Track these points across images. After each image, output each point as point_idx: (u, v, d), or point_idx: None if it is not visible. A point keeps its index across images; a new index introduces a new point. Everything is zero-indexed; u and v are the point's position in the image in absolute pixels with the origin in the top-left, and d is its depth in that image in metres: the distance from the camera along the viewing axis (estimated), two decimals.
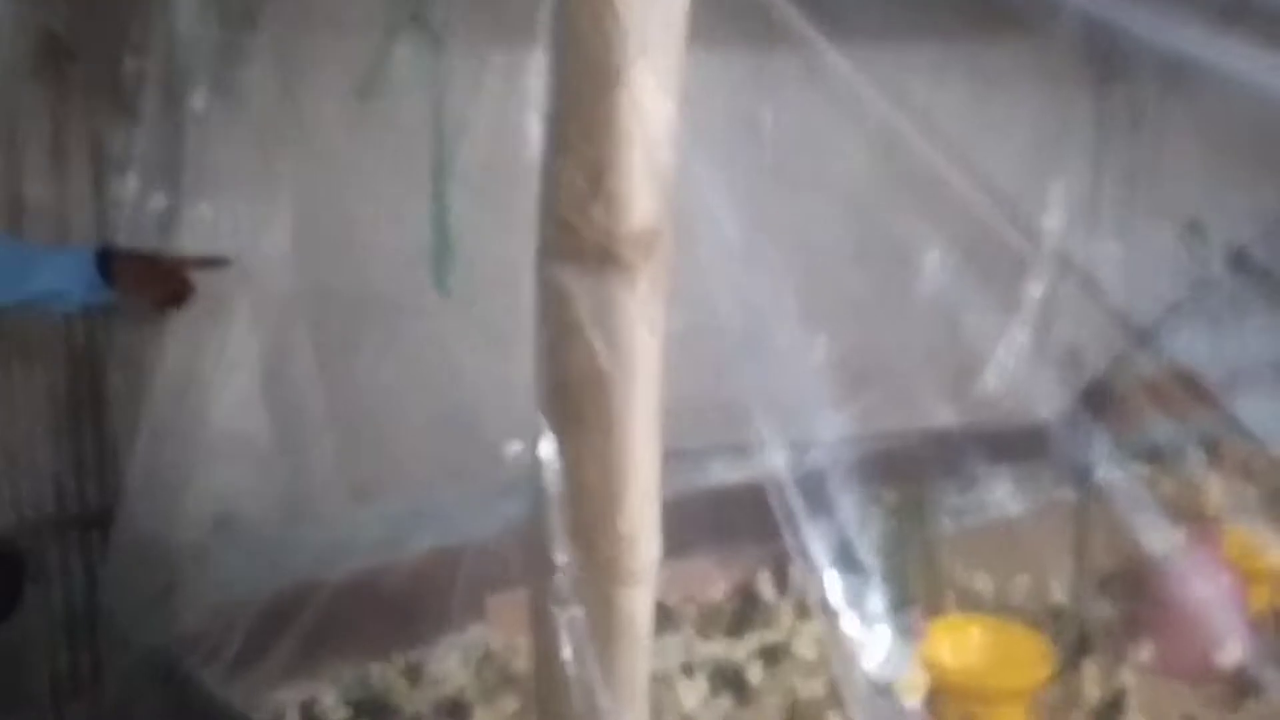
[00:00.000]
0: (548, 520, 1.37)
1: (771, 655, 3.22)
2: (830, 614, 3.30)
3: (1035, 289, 4.24)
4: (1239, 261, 3.54)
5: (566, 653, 1.37)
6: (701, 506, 3.63)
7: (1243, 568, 3.39)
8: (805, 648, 3.21)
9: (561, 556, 1.37)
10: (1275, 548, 3.70)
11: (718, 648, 3.28)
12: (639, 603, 1.42)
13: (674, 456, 3.67)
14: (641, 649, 1.43)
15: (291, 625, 2.83)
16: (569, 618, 1.37)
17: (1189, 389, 4.86)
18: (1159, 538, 3.92)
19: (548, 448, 1.39)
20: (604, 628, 1.41)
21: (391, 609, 3.03)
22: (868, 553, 3.69)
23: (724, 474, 3.77)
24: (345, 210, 2.94)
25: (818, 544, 3.73)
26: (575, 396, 1.38)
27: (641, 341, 1.38)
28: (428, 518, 3.06)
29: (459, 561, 3.01)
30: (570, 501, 1.38)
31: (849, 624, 3.31)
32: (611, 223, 1.32)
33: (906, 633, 2.48)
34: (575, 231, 1.33)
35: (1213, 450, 5.31)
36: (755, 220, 3.02)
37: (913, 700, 2.13)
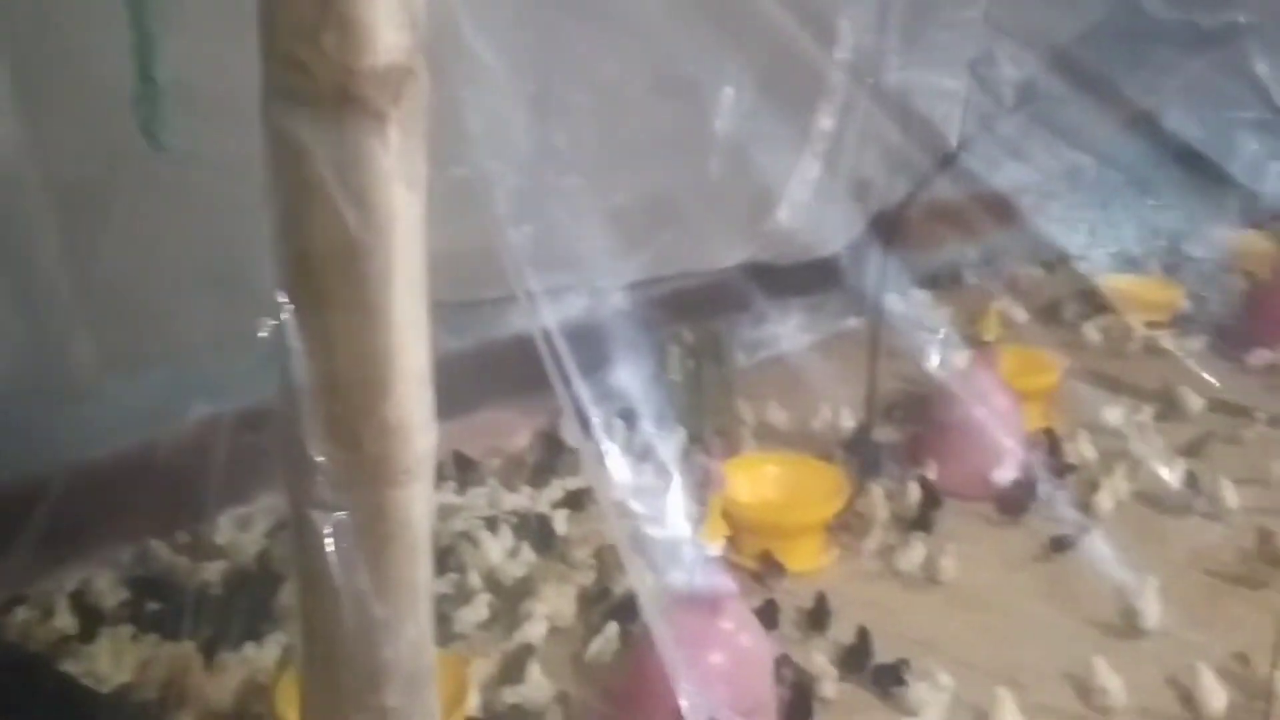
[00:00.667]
0: (300, 414, 1.20)
1: (576, 502, 3.20)
2: (624, 460, 3.33)
3: (825, 122, 4.24)
4: (1026, 93, 3.60)
5: (333, 562, 1.21)
6: (501, 356, 3.53)
7: (1018, 387, 3.57)
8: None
9: (320, 455, 1.20)
10: (1047, 367, 3.93)
11: (522, 498, 3.24)
12: (415, 502, 1.23)
13: (470, 307, 3.54)
14: (421, 552, 1.25)
15: (55, 509, 2.58)
16: (334, 523, 1.20)
17: (975, 214, 5.04)
18: (939, 362, 4.12)
19: (293, 331, 1.21)
20: (375, 533, 1.22)
21: (167, 484, 2.82)
22: (666, 394, 3.71)
23: (523, 322, 3.68)
24: (70, 51, 2.55)
25: (613, 389, 3.74)
26: (321, 270, 1.16)
27: (398, 201, 1.16)
28: (199, 386, 2.83)
29: (237, 429, 2.81)
30: (325, 392, 1.17)
31: (643, 469, 3.35)
32: (349, 57, 1.09)
33: (704, 476, 2.48)
34: (304, 68, 1.09)
35: (992, 272, 5.60)
36: (533, 54, 2.83)
37: (714, 547, 2.15)
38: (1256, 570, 2.96)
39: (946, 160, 3.26)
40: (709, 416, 3.57)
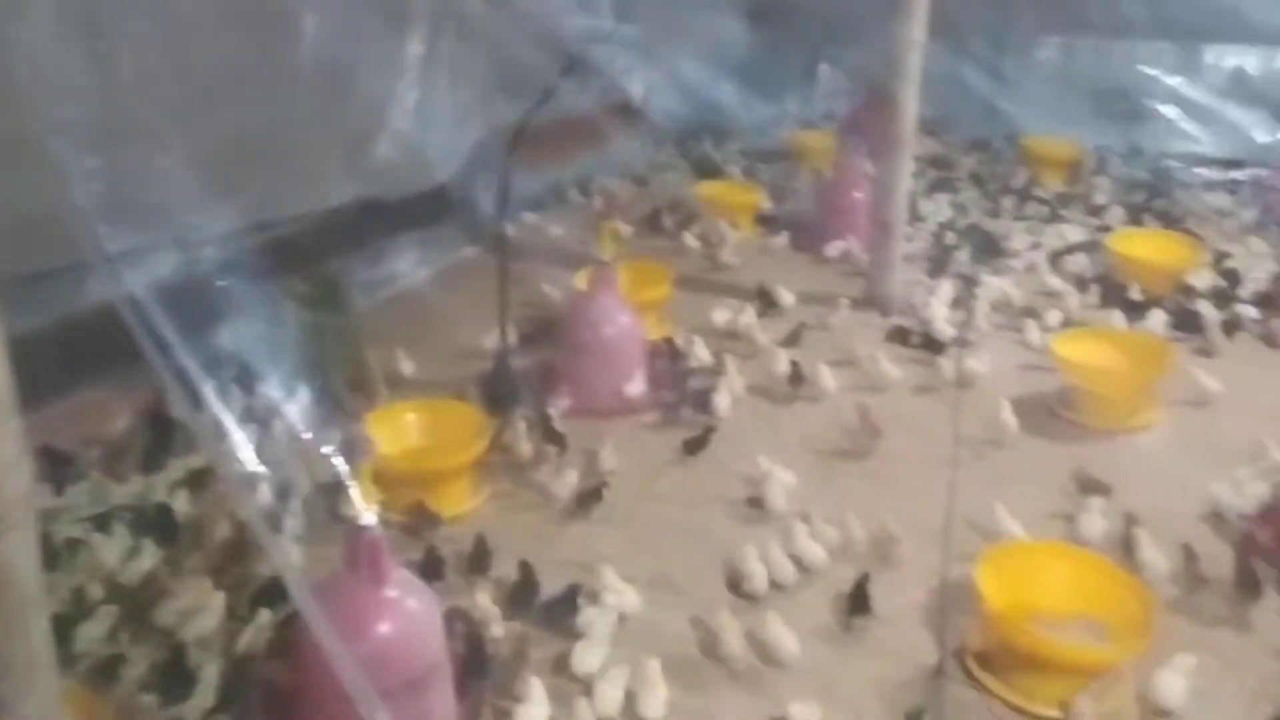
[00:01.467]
0: None
1: (199, 482, 2.91)
2: (247, 428, 3.07)
3: (416, 47, 4.08)
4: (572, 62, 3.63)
5: None
6: (85, 331, 3.11)
7: (635, 301, 3.68)
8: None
9: None
10: (658, 278, 4.08)
11: (134, 487, 2.90)
12: (14, 554, 1.01)
13: (40, 279, 3.06)
14: (32, 610, 1.03)
15: None
16: None
17: (574, 134, 5.09)
18: (557, 283, 4.16)
19: None
20: None
21: None
22: (284, 351, 3.45)
23: (105, 289, 3.25)
24: None
25: (223, 352, 3.43)
26: None
27: None
28: None
29: None
30: None
31: (270, 436, 3.11)
32: None
33: (351, 442, 2.33)
34: None
35: (593, 191, 5.73)
36: None
37: (369, 514, 2.02)
38: (859, 443, 3.28)
39: (549, 94, 3.21)
40: (336, 369, 3.37)
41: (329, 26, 3.22)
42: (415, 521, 2.77)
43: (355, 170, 3.77)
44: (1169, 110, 6.52)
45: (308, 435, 2.71)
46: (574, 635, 2.44)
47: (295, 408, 3.05)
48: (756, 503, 2.96)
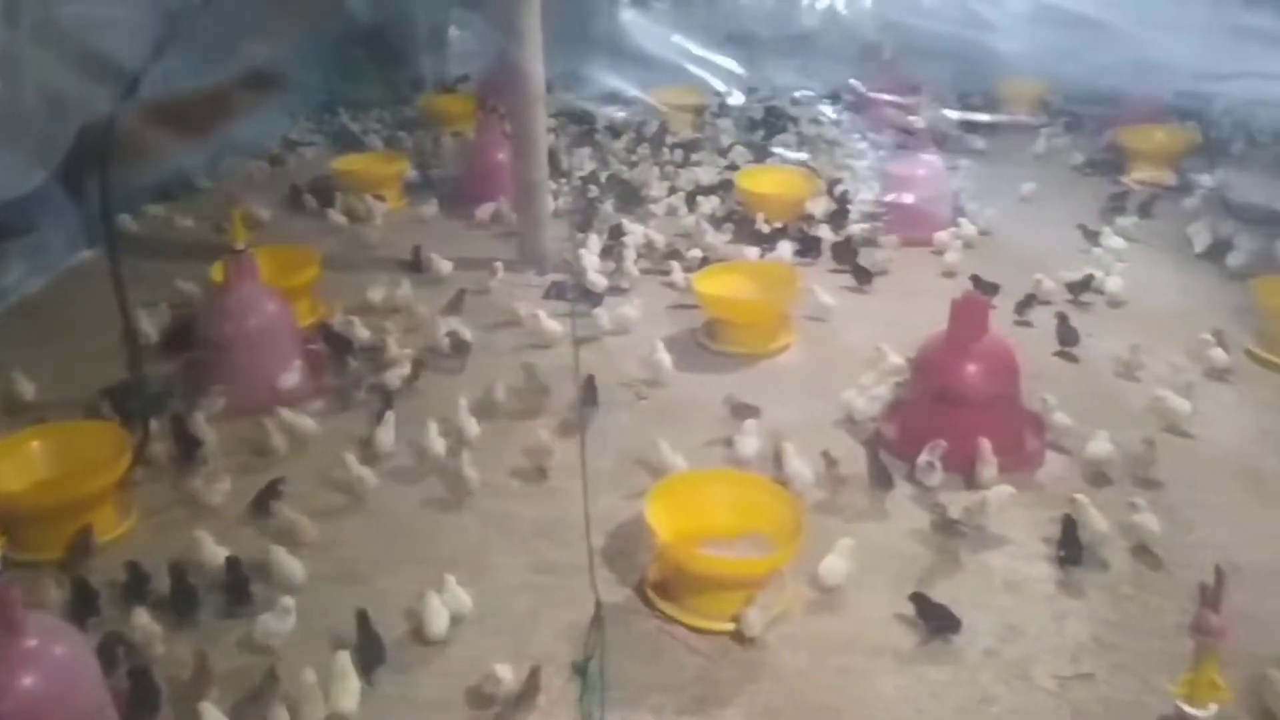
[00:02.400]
0: None
1: None
2: None
3: None
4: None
5: None
6: None
7: (282, 286, 3.52)
8: None
9: None
10: (305, 261, 3.91)
11: None
12: None
13: None
14: None
15: None
16: None
17: (198, 115, 4.74)
18: (193, 278, 3.90)
19: None
20: None
21: None
22: None
23: None
24: None
25: None
26: None
27: None
28: None
29: None
30: None
31: None
32: None
33: None
34: None
35: (221, 175, 5.39)
36: None
37: None
38: (529, 401, 3.33)
39: (138, 79, 2.94)
40: None
41: None
42: (64, 558, 2.52)
43: None
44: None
45: None
46: (256, 636, 2.34)
47: None
48: (433, 483, 2.95)
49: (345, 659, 2.24)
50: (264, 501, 2.78)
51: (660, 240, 4.52)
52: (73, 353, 3.45)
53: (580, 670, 2.29)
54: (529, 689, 2.21)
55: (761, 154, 5.79)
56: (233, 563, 2.49)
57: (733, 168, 5.45)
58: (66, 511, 2.59)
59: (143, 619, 2.33)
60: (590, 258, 4.28)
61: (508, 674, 2.23)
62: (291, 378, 3.28)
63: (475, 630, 2.42)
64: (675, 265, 4.24)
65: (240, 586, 2.44)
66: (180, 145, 5.09)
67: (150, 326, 3.61)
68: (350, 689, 2.20)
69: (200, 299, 3.72)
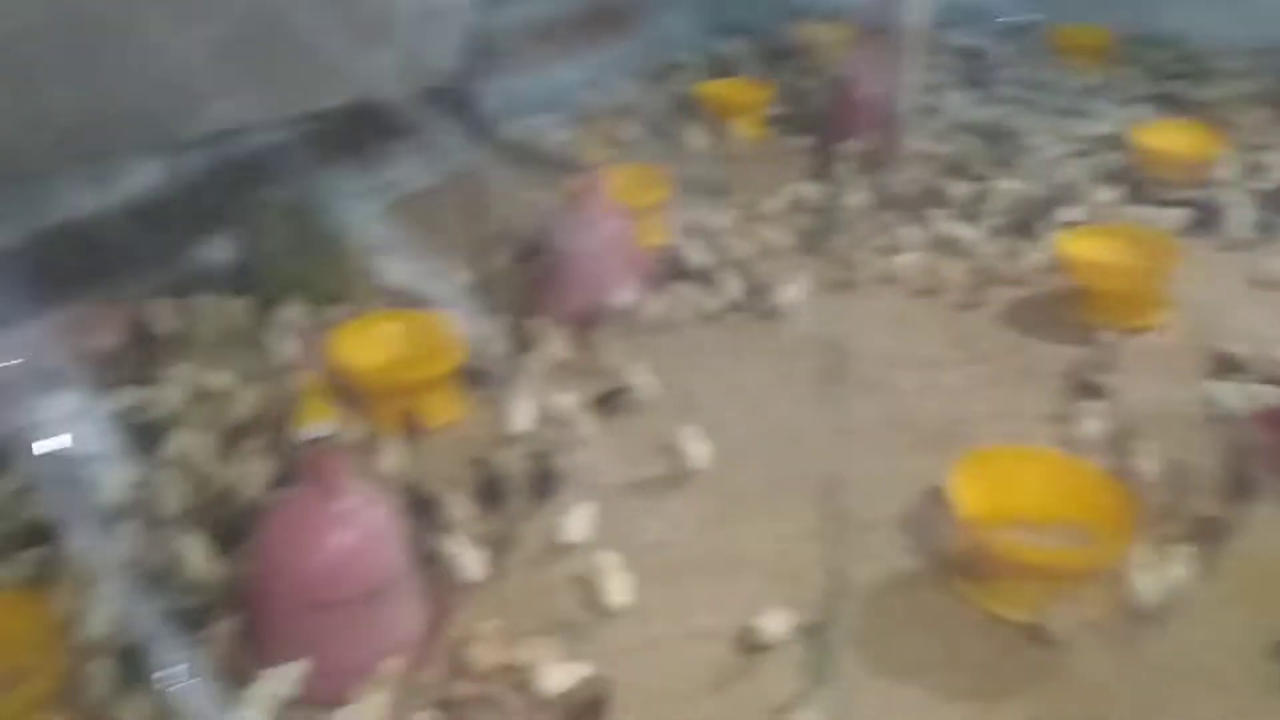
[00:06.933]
0: None
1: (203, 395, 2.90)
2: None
3: None
4: None
5: None
6: (65, 243, 3.10)
7: (631, 205, 3.59)
8: (218, 381, 2.94)
9: None
10: (658, 182, 3.97)
11: (126, 398, 2.89)
12: None
13: (21, 187, 3.02)
14: None
15: None
16: None
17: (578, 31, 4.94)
18: (555, 189, 4.07)
19: None
20: None
21: None
22: (267, 262, 3.43)
23: (86, 200, 3.23)
24: None
25: (203, 264, 3.39)
26: None
27: None
28: None
29: None
30: None
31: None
32: None
33: (303, 353, 2.30)
34: None
35: (601, 91, 5.57)
36: None
37: (321, 426, 2.00)
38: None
39: None
40: (324, 280, 3.35)
41: None
42: (403, 430, 2.76)
43: (350, 72, 3.67)
44: None
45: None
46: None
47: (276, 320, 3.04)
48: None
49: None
50: (607, 402, 2.91)
51: (1036, 193, 4.16)
52: (440, 249, 3.70)
53: (816, 633, 2.21)
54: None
55: (1172, 106, 5.16)
56: (540, 457, 2.60)
57: (1134, 120, 4.89)
58: (403, 392, 2.81)
59: (456, 502, 2.49)
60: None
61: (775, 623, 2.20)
62: (623, 296, 3.36)
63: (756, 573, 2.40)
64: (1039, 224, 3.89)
65: (545, 478, 2.56)
66: (579, 56, 5.35)
67: (510, 233, 3.80)
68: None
69: (552, 210, 3.88)
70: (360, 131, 4.11)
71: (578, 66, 5.50)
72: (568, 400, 2.88)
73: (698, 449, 2.69)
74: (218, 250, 3.49)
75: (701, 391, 3.01)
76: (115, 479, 2.49)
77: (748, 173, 4.54)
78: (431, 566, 2.28)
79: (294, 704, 1.99)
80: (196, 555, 2.22)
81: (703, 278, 3.56)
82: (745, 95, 5.24)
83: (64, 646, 2.04)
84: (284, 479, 2.46)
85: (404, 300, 3.39)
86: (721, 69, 5.91)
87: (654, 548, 2.46)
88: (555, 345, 3.15)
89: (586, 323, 3.27)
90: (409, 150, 4.37)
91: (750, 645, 2.19)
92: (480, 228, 3.68)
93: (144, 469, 2.53)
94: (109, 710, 1.97)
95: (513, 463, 2.62)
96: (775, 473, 2.70)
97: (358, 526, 2.02)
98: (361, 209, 3.96)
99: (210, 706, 1.91)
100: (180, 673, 1.93)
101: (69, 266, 3.02)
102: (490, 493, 2.56)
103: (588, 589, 2.31)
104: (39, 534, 2.34)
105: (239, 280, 3.38)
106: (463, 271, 3.56)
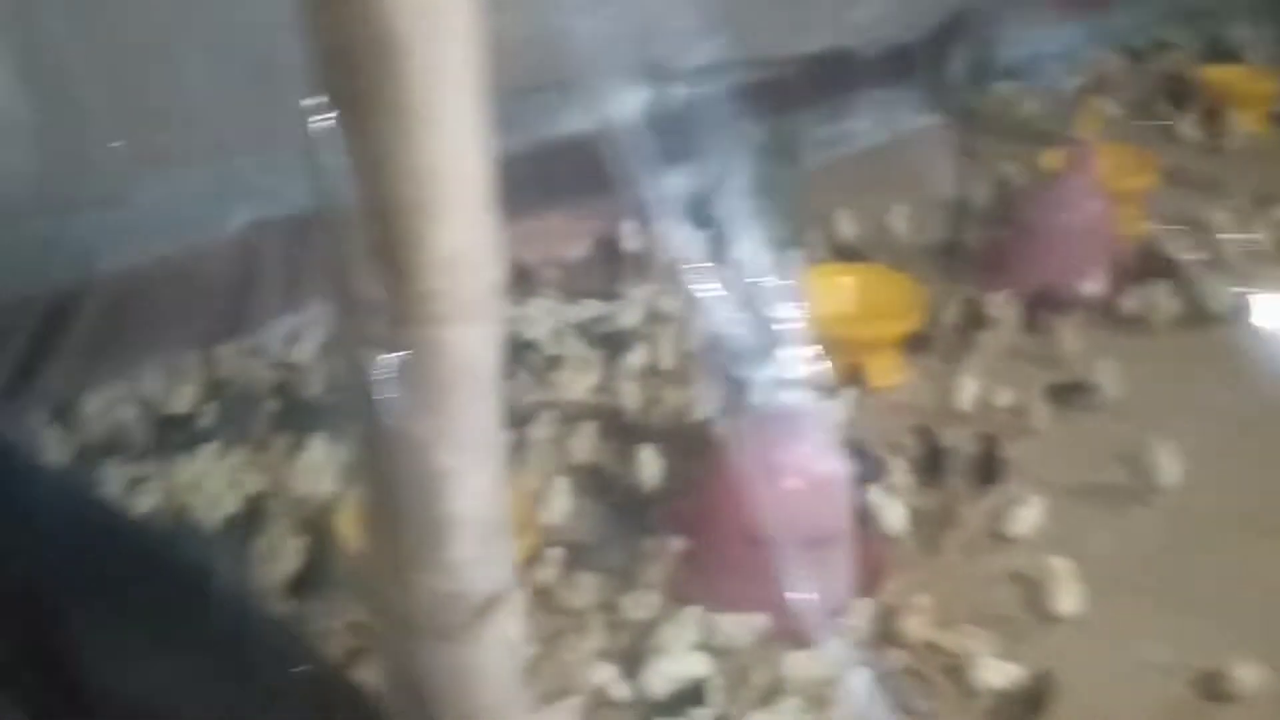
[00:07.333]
0: (346, 238, 1.02)
1: (653, 313, 3.02)
2: (690, 268, 3.12)
3: None
4: None
5: (387, 406, 1.01)
6: (553, 155, 3.31)
7: (1112, 188, 3.30)
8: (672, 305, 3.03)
9: (368, 288, 0.99)
10: (1145, 167, 3.63)
11: (590, 309, 3.07)
12: (478, 344, 1.05)
13: (516, 100, 3.27)
14: (488, 398, 1.08)
15: (84, 321, 2.45)
16: (387, 363, 1.00)
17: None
18: (1024, 161, 3.82)
19: (336, 140, 1.00)
20: (434, 376, 1.04)
21: (210, 293, 2.69)
22: (736, 197, 3.46)
23: (580, 115, 3.43)
24: None
25: (683, 191, 3.49)
26: (360, 70, 0.94)
27: None
28: (240, 190, 2.65)
29: (284, 237, 2.64)
30: (370, 215, 0.98)
31: (722, 278, 3.14)
32: None
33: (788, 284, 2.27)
34: None
35: (1079, 64, 5.18)
36: None
37: (805, 365, 1.99)
38: None
39: None
40: (783, 222, 3.35)
41: None
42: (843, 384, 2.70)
43: (834, 17, 3.64)
44: None
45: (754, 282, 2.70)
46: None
47: (745, 256, 3.07)
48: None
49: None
50: (1065, 395, 2.71)
51: None
52: (894, 205, 3.60)
53: None
54: None
55: None
56: (988, 439, 2.47)
57: None
58: (857, 347, 2.75)
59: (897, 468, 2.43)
60: None
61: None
62: (1094, 285, 3.09)
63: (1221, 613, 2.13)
64: None
65: (991, 463, 2.43)
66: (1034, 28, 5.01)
67: (969, 201, 3.63)
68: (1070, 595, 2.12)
69: (1021, 182, 3.65)
70: (828, 80, 4.08)
71: (1053, 36, 5.15)
72: (1021, 386, 2.71)
73: (1170, 464, 2.42)
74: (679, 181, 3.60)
75: (1176, 404, 2.71)
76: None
77: (1246, 170, 4.04)
78: (868, 527, 2.22)
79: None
80: (652, 467, 2.30)
81: (1185, 278, 3.21)
82: (1252, 84, 4.64)
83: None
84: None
85: (852, 254, 3.34)
86: (1221, 52, 5.30)
87: (1105, 560, 2.25)
88: (1010, 325, 2.97)
89: (1047, 306, 3.03)
90: (872, 104, 4.28)
91: (1215, 692, 1.95)
92: (939, 191, 3.53)
93: (606, 375, 2.67)
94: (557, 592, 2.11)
95: (960, 440, 2.50)
96: (1257, 508, 2.39)
97: (813, 474, 2.00)
98: (819, 157, 3.93)
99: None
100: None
101: (557, 179, 3.21)
102: (932, 466, 2.46)
103: (1031, 589, 2.15)
104: None
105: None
106: (917, 234, 3.45)
